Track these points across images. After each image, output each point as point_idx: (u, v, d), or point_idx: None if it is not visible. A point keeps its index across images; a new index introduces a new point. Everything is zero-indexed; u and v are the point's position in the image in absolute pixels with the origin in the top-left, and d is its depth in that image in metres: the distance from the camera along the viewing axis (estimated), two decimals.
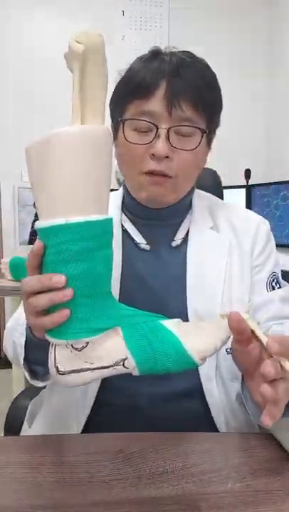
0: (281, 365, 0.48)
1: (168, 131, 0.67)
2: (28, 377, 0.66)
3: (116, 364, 0.49)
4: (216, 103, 0.73)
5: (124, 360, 0.49)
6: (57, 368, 0.50)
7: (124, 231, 0.78)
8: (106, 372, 0.49)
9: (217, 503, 0.47)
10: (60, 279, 0.47)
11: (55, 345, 0.50)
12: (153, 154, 0.67)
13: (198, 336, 0.51)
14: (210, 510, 0.46)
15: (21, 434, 0.82)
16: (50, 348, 0.51)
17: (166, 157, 0.67)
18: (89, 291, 0.49)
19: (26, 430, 0.81)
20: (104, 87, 0.51)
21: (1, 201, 2.89)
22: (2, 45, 2.81)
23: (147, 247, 0.76)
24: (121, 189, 0.81)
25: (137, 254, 0.76)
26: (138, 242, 0.76)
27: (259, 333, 0.50)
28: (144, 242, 0.76)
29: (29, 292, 0.50)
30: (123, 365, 0.49)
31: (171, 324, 0.52)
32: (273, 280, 0.82)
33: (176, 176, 0.69)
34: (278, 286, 0.82)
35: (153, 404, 0.71)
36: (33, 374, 0.67)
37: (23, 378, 1.58)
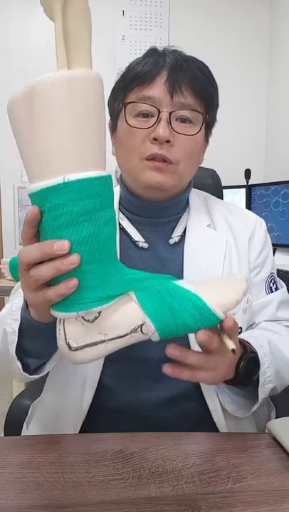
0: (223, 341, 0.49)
1: (170, 115, 0.67)
2: (19, 369, 0.61)
3: (133, 331, 0.45)
4: (213, 95, 0.74)
5: (141, 325, 0.45)
6: (68, 344, 0.45)
7: (122, 229, 0.77)
8: (123, 342, 0.46)
9: (217, 503, 0.47)
10: (63, 244, 0.42)
11: (63, 320, 0.46)
12: (154, 138, 0.67)
13: (216, 291, 0.49)
14: (210, 510, 0.46)
15: (21, 435, 0.82)
16: (58, 324, 0.47)
17: (168, 142, 0.67)
18: (95, 255, 0.44)
19: (24, 432, 0.81)
20: (89, 28, 0.45)
21: (1, 201, 2.89)
22: (3, 44, 2.81)
23: (145, 245, 0.76)
24: (118, 187, 0.81)
25: (135, 252, 0.76)
26: (136, 240, 0.76)
27: (227, 341, 0.49)
28: (142, 240, 0.76)
29: (28, 263, 0.45)
30: (141, 331, 0.45)
31: (185, 283, 0.49)
32: (271, 281, 0.82)
33: (176, 162, 0.69)
34: (275, 286, 0.83)
35: (150, 408, 0.71)
36: (24, 366, 0.62)
37: None
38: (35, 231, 0.45)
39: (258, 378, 0.64)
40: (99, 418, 0.71)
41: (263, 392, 0.65)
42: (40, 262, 0.44)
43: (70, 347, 0.45)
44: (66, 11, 0.44)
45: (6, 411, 0.99)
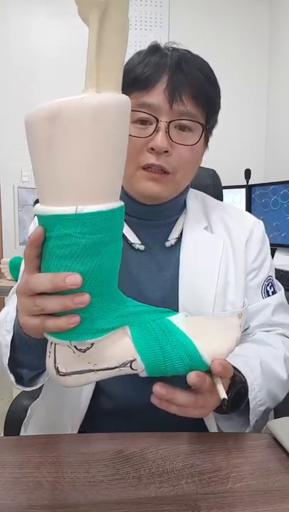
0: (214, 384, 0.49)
1: (168, 124, 0.66)
2: (13, 381, 0.61)
3: (123, 365, 0.46)
4: (215, 99, 0.72)
5: (131, 361, 0.46)
6: (57, 368, 0.46)
7: None
8: (111, 373, 0.47)
9: (217, 503, 0.47)
10: (76, 280, 0.40)
11: (55, 344, 0.46)
12: (152, 148, 0.66)
13: (211, 337, 0.48)
14: (210, 510, 0.46)
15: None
16: (49, 346, 0.47)
17: (166, 152, 0.66)
18: (97, 289, 0.43)
19: (22, 434, 0.81)
20: (124, 47, 0.41)
21: (1, 201, 2.89)
22: (3, 44, 2.81)
23: (141, 247, 0.75)
24: None
25: (131, 255, 0.75)
26: (132, 242, 0.75)
27: (219, 387, 0.49)
28: (138, 242, 0.75)
29: (36, 291, 0.44)
30: (130, 366, 0.46)
31: (180, 321, 0.49)
32: (268, 285, 0.81)
33: (174, 172, 0.68)
34: (272, 290, 0.82)
35: (148, 410, 0.71)
36: (18, 378, 0.63)
37: None
38: (39, 251, 0.44)
39: (248, 403, 0.64)
40: (96, 420, 0.71)
41: (256, 415, 0.65)
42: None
43: (58, 371, 0.46)
44: (104, 25, 0.39)
45: (6, 411, 0.99)
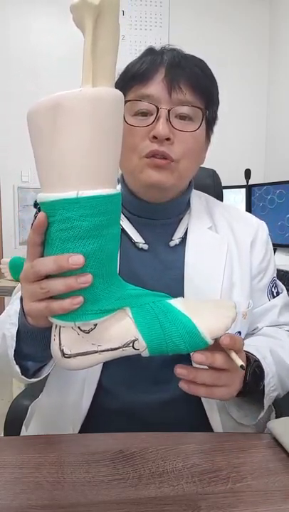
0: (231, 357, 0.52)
1: (169, 112, 0.66)
2: (18, 373, 0.62)
3: (125, 345, 0.47)
4: (213, 91, 0.72)
5: (134, 341, 0.47)
6: (62, 351, 0.47)
7: (122, 230, 0.76)
8: (114, 354, 0.48)
9: (217, 503, 0.47)
10: (78, 259, 0.43)
11: (60, 327, 0.47)
12: (154, 136, 0.66)
13: (208, 316, 0.50)
14: (210, 510, 0.46)
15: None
16: (54, 330, 0.48)
17: (168, 139, 0.66)
18: (99, 270, 0.45)
19: (23, 433, 0.81)
20: (116, 49, 0.46)
21: (1, 201, 2.89)
22: (3, 44, 2.81)
23: (145, 247, 0.75)
24: (118, 186, 0.80)
25: (135, 254, 0.75)
26: (136, 241, 0.75)
27: (234, 356, 0.51)
28: (142, 241, 0.75)
29: (41, 274, 0.46)
30: (132, 346, 0.48)
31: (179, 303, 0.51)
32: (273, 286, 0.82)
33: (177, 159, 0.68)
34: (276, 291, 0.83)
35: (150, 409, 0.71)
36: (23, 370, 0.63)
37: None
38: (42, 238, 0.46)
39: (263, 388, 0.65)
40: (98, 420, 0.71)
41: (268, 401, 0.66)
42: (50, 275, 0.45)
43: (63, 353, 0.47)
44: (97, 30, 0.43)
45: (6, 411, 0.99)
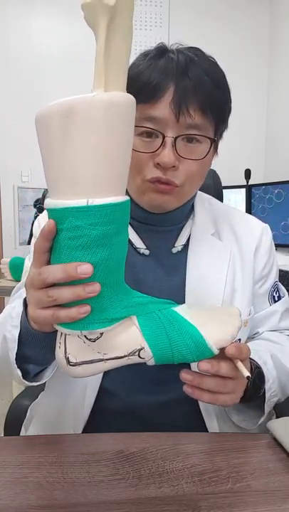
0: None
1: (175, 140, 0.63)
2: (19, 376, 0.61)
3: (131, 354, 0.47)
4: (225, 104, 0.69)
5: (140, 350, 0.47)
6: (68, 359, 0.46)
7: None
8: (120, 362, 0.47)
9: (217, 503, 0.47)
10: (87, 269, 0.42)
11: (66, 335, 0.47)
12: (158, 164, 0.64)
13: (214, 325, 0.50)
14: (210, 510, 0.46)
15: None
16: (59, 337, 0.48)
17: (173, 167, 0.64)
18: (106, 279, 0.45)
19: (23, 434, 0.81)
20: (129, 52, 0.44)
21: (1, 201, 2.89)
22: (3, 44, 2.81)
23: (146, 252, 0.74)
24: None
25: (137, 259, 0.74)
26: (138, 246, 0.74)
27: (241, 366, 0.51)
28: (144, 246, 0.74)
29: (48, 282, 0.45)
30: (138, 355, 0.47)
31: (184, 311, 0.50)
32: (274, 290, 0.81)
33: (182, 185, 0.67)
34: (278, 295, 0.82)
35: (150, 410, 0.71)
36: (24, 373, 0.62)
37: None
38: (50, 245, 0.45)
39: (264, 393, 0.65)
40: (98, 420, 0.71)
41: (269, 406, 0.66)
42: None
43: (68, 362, 0.47)
44: (110, 32, 0.42)
45: (6, 411, 0.99)
